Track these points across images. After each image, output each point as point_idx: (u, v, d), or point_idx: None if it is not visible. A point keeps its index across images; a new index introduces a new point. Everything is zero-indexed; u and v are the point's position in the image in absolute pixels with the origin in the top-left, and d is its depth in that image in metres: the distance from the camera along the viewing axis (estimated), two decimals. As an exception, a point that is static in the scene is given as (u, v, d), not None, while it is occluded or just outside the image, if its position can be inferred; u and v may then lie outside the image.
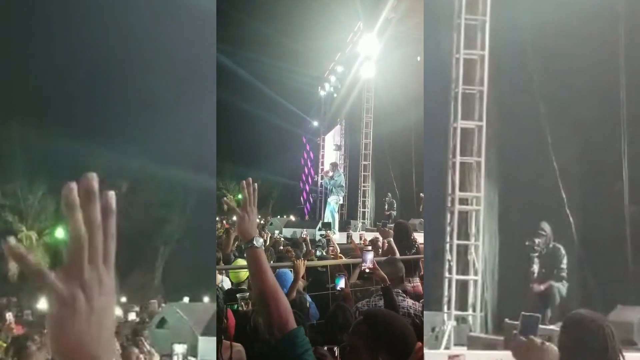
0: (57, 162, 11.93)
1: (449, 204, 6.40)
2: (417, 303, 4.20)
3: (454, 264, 6.31)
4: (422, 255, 6.24)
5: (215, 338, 3.62)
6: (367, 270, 4.16)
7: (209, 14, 13.33)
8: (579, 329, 2.10)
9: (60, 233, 12.22)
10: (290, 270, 4.95)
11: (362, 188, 17.73)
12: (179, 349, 6.04)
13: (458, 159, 6.37)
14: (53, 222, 12.56)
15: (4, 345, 5.97)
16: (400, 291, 4.20)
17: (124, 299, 8.64)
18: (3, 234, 12.10)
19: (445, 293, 6.27)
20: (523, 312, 2.35)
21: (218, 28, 13.64)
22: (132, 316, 7.63)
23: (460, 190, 6.40)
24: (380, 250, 8.03)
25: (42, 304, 6.75)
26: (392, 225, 9.94)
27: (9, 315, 6.21)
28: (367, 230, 13.87)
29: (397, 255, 6.96)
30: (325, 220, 14.76)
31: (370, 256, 4.17)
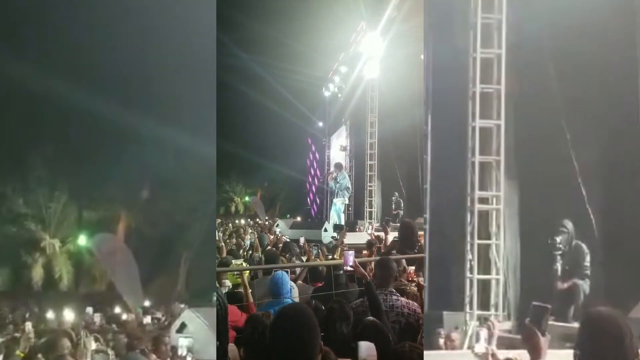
0: (78, 170, 12.01)
1: (469, 204, 6.37)
2: (411, 302, 4.22)
3: (475, 263, 6.28)
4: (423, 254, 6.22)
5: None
6: (349, 269, 4.31)
7: (209, 17, 13.30)
8: (596, 326, 2.11)
9: (82, 240, 12.24)
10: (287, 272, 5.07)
11: (369, 188, 17.68)
12: (184, 342, 6.01)
13: (477, 158, 6.34)
14: (75, 229, 12.58)
15: (22, 355, 5.90)
16: (394, 290, 4.26)
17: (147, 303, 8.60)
18: (26, 243, 12.12)
19: (467, 293, 6.24)
20: (534, 302, 2.34)
21: (219, 31, 13.60)
22: (147, 320, 7.58)
23: (480, 189, 6.37)
24: (382, 246, 8.02)
25: (67, 314, 6.71)
26: (398, 224, 9.93)
27: (29, 325, 6.14)
28: (376, 230, 13.82)
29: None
30: (331, 221, 14.71)
31: (350, 256, 4.27)
